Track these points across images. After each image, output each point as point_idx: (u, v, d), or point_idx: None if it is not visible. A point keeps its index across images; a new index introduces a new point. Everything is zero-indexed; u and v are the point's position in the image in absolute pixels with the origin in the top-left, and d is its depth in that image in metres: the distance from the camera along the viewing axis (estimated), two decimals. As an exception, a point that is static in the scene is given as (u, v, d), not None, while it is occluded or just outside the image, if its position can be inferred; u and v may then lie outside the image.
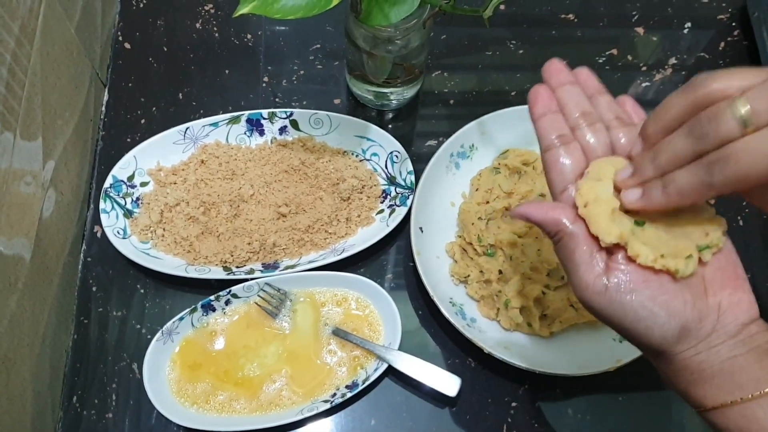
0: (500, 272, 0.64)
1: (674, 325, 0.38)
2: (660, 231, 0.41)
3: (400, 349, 0.62)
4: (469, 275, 0.65)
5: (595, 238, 0.40)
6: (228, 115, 0.70)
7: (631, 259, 0.39)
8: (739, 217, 0.72)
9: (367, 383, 0.61)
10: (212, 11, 0.80)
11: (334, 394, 0.61)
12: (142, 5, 0.80)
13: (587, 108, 0.44)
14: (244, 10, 0.52)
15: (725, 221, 0.42)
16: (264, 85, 0.76)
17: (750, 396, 0.37)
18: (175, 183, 0.69)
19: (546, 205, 0.42)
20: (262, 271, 0.65)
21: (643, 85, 0.78)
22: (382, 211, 0.69)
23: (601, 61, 0.79)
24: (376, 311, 0.65)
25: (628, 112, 0.45)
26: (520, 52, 0.79)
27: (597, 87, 0.46)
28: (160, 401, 0.60)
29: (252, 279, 0.64)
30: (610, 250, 0.40)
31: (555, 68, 0.46)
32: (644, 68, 0.79)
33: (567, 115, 0.44)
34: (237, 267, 0.66)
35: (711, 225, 0.41)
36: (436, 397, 0.63)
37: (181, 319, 0.63)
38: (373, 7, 0.55)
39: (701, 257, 0.40)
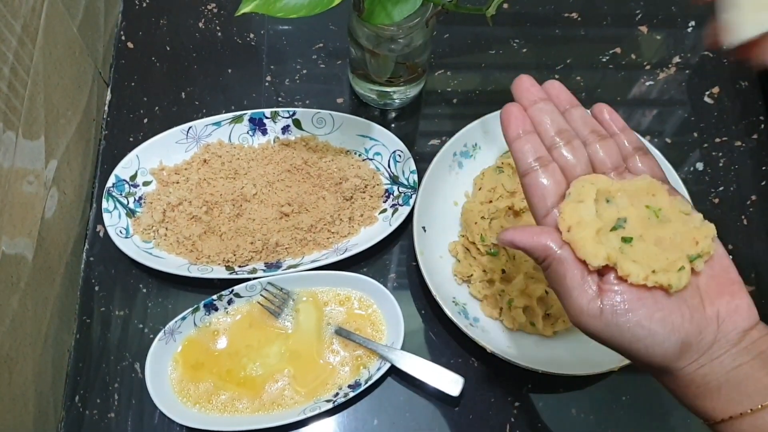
0: (503, 272, 0.64)
1: (674, 342, 0.38)
2: (649, 245, 0.40)
3: (402, 348, 0.62)
4: (472, 275, 0.65)
5: (585, 262, 0.39)
6: (231, 115, 0.70)
7: (623, 279, 0.39)
8: (743, 216, 0.71)
9: (369, 383, 0.61)
10: (215, 10, 0.79)
11: (337, 394, 0.61)
12: (145, 5, 0.80)
13: (563, 125, 0.44)
14: (246, 9, 0.52)
15: (713, 227, 0.41)
16: (267, 84, 0.76)
17: (759, 406, 0.36)
18: (177, 182, 0.69)
19: (532, 229, 0.41)
20: (264, 270, 0.65)
21: (647, 83, 0.78)
22: (384, 210, 0.69)
23: (604, 59, 0.78)
24: (379, 311, 0.65)
25: (606, 120, 0.45)
26: (524, 50, 0.79)
27: (570, 100, 0.45)
28: (163, 401, 0.60)
29: (254, 278, 0.64)
30: (601, 271, 0.40)
31: (525, 86, 0.45)
32: (648, 67, 0.78)
33: (542, 134, 0.43)
34: (239, 266, 0.66)
35: (699, 233, 0.40)
36: (439, 397, 0.63)
37: (184, 318, 0.62)
38: (376, 5, 0.55)
39: (694, 267, 0.40)
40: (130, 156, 0.68)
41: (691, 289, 0.39)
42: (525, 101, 0.44)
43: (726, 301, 0.39)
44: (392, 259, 0.69)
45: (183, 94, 0.75)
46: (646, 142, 0.67)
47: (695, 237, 0.40)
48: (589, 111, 0.46)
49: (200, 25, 0.79)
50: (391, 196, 0.69)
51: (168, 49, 0.78)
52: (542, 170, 0.42)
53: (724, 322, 0.38)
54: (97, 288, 0.67)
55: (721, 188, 0.73)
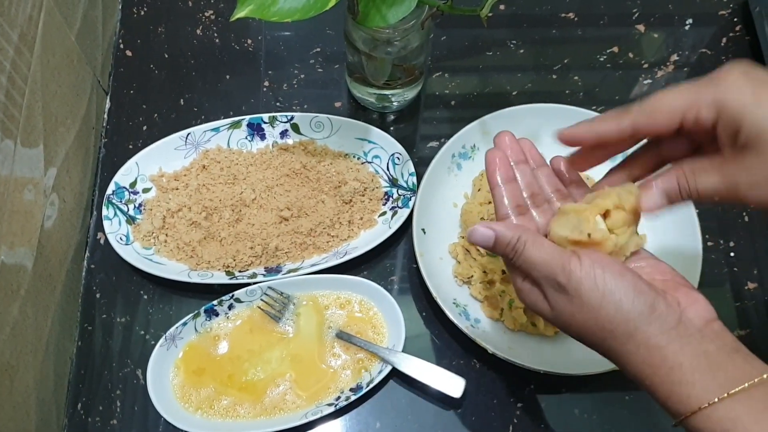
0: (503, 272, 0.64)
1: (642, 301, 0.40)
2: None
3: (404, 351, 0.62)
4: (472, 276, 0.65)
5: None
6: (229, 120, 0.70)
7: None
8: (744, 214, 0.71)
9: (371, 386, 0.61)
10: (212, 17, 0.80)
11: (339, 397, 0.61)
12: (142, 13, 0.80)
13: (536, 189, 0.48)
14: (241, 14, 0.52)
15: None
16: (265, 89, 0.76)
17: (726, 394, 0.37)
18: (177, 188, 0.69)
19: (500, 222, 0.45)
20: (264, 275, 0.65)
21: (646, 82, 0.78)
22: (384, 213, 0.69)
23: (602, 59, 0.78)
24: (380, 313, 0.65)
25: (561, 171, 0.49)
26: (521, 51, 0.79)
27: (539, 160, 0.50)
28: (165, 407, 0.60)
29: (255, 283, 0.64)
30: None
31: (506, 143, 0.49)
32: (646, 66, 0.78)
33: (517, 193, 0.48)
34: (240, 271, 0.66)
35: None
36: (441, 399, 0.63)
37: (185, 324, 0.62)
38: (371, 8, 0.55)
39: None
40: (130, 163, 0.68)
41: (648, 279, 0.42)
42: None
43: (683, 293, 0.41)
44: (392, 261, 0.69)
45: (181, 100, 0.75)
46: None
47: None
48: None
49: (198, 32, 0.79)
50: (391, 198, 0.69)
51: (166, 56, 0.78)
52: (519, 219, 0.46)
53: (686, 309, 0.41)
54: (98, 295, 0.67)
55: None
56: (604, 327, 0.41)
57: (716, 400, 0.37)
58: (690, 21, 0.81)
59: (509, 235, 0.43)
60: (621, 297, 0.40)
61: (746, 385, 0.37)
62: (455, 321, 0.60)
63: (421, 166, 0.68)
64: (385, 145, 0.70)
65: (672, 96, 0.40)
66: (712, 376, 0.38)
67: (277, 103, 0.75)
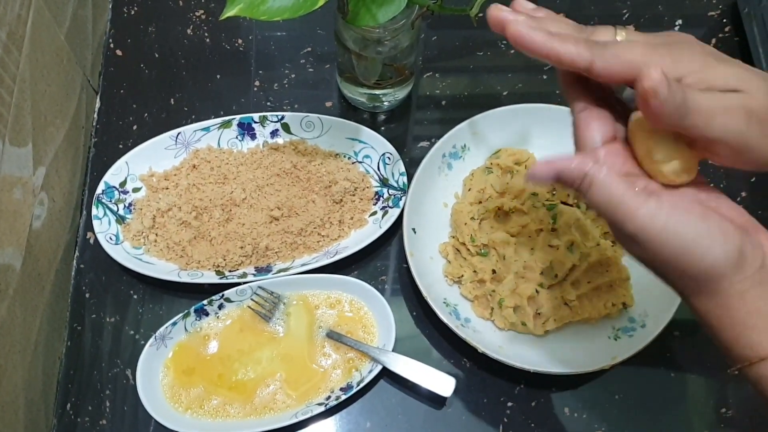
0: (494, 272, 0.64)
1: (731, 246, 0.37)
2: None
3: (394, 350, 0.62)
4: (462, 275, 0.65)
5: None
6: (219, 120, 0.70)
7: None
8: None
9: (361, 385, 0.61)
10: (203, 17, 0.80)
11: (329, 397, 0.61)
12: (133, 12, 0.80)
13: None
14: (230, 12, 0.52)
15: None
16: (255, 89, 0.76)
17: None
18: (167, 188, 0.69)
19: (561, 156, 0.39)
20: (255, 274, 0.65)
21: (635, 83, 0.78)
22: (375, 213, 0.69)
23: (592, 59, 0.79)
24: (370, 313, 0.65)
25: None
26: (511, 52, 0.79)
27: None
28: (154, 407, 0.60)
29: (245, 283, 0.64)
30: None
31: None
32: (636, 66, 0.79)
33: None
34: (230, 271, 0.65)
35: None
36: (432, 398, 0.63)
37: (174, 324, 0.62)
38: (361, 7, 0.55)
39: None
40: (120, 162, 0.68)
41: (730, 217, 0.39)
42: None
43: (764, 235, 0.39)
44: (383, 261, 0.69)
45: (172, 100, 0.75)
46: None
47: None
48: None
49: (188, 31, 0.79)
50: (381, 198, 0.69)
51: (156, 56, 0.78)
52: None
53: None
54: (87, 295, 0.67)
55: (711, 185, 0.73)
56: (684, 273, 0.38)
57: None
58: (679, 22, 0.81)
59: (573, 175, 0.38)
60: (710, 243, 0.36)
61: None
62: (445, 320, 0.60)
63: (411, 166, 0.68)
64: (375, 144, 0.70)
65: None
66: None
67: (268, 103, 0.75)
